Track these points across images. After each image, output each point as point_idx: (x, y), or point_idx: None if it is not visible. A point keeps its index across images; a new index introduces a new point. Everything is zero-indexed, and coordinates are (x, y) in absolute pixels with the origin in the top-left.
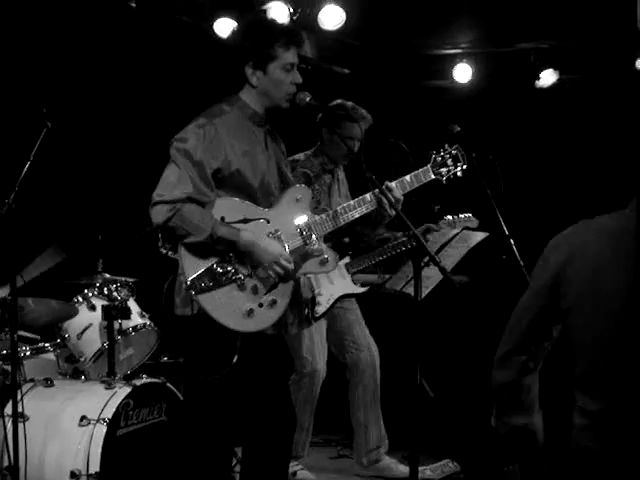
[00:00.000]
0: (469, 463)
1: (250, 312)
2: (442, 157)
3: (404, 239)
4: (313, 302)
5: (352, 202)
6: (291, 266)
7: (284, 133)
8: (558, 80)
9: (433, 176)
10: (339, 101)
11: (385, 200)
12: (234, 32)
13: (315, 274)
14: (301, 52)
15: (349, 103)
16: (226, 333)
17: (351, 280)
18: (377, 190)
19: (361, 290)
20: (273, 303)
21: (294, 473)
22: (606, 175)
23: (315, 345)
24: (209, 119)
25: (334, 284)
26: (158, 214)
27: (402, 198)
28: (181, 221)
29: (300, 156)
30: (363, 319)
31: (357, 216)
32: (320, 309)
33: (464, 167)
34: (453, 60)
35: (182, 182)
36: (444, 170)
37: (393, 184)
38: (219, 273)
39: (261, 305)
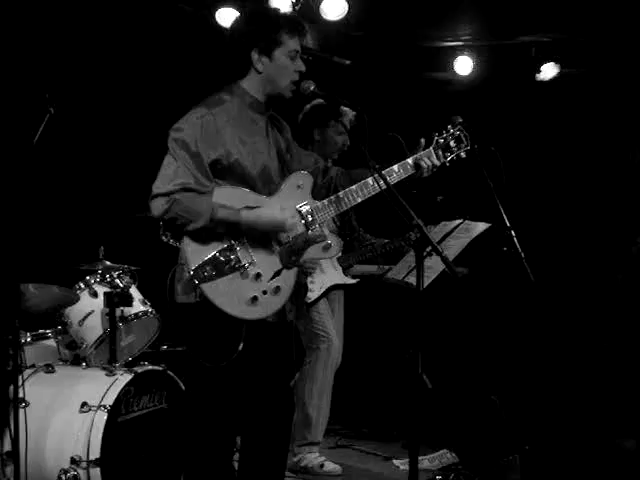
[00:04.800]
0: (467, 454)
1: (254, 299)
2: (444, 139)
3: (391, 242)
4: (305, 289)
5: (354, 187)
6: (300, 224)
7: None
8: (559, 73)
9: (436, 159)
10: (319, 102)
11: (389, 189)
12: (238, 19)
13: (318, 260)
14: (303, 42)
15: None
16: (231, 321)
17: (342, 272)
18: (382, 181)
19: (352, 281)
20: (277, 290)
21: (321, 465)
22: (605, 168)
23: (326, 320)
24: (208, 109)
25: (326, 274)
26: (157, 207)
27: (438, 163)
28: (180, 210)
29: None
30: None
31: (359, 201)
32: (312, 295)
33: (467, 148)
34: (454, 52)
35: (179, 174)
36: (447, 152)
37: (396, 167)
38: (221, 262)
39: (265, 292)
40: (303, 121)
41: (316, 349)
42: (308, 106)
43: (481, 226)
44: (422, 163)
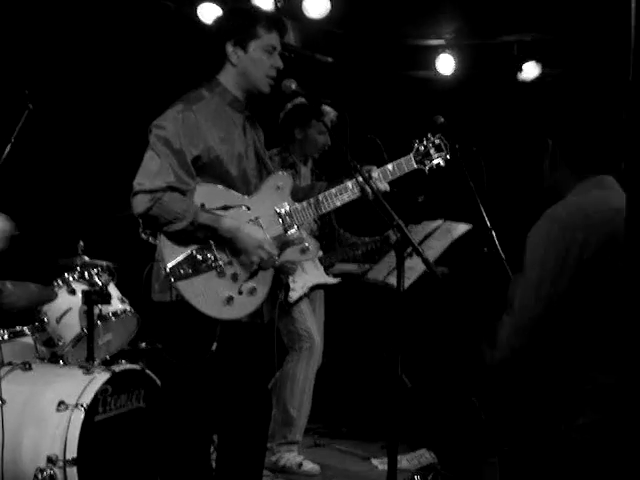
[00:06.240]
0: (446, 453)
1: (229, 299)
2: (425, 146)
3: (372, 241)
4: (287, 289)
5: (333, 190)
6: (275, 251)
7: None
8: (540, 73)
9: (416, 165)
10: (301, 101)
11: (368, 188)
12: (218, 17)
13: (296, 262)
14: (283, 40)
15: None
16: (205, 320)
17: (324, 271)
18: (361, 178)
19: (333, 281)
20: (253, 291)
21: (299, 464)
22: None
23: (308, 320)
24: (188, 105)
25: (308, 273)
26: (139, 204)
27: (388, 188)
28: (162, 210)
29: None
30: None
31: (339, 204)
32: (294, 294)
33: (447, 157)
34: (436, 51)
35: (162, 171)
36: (427, 159)
37: (376, 173)
38: (198, 260)
39: (241, 292)
40: (284, 120)
41: (298, 349)
42: (289, 105)
43: (462, 227)
44: (366, 188)
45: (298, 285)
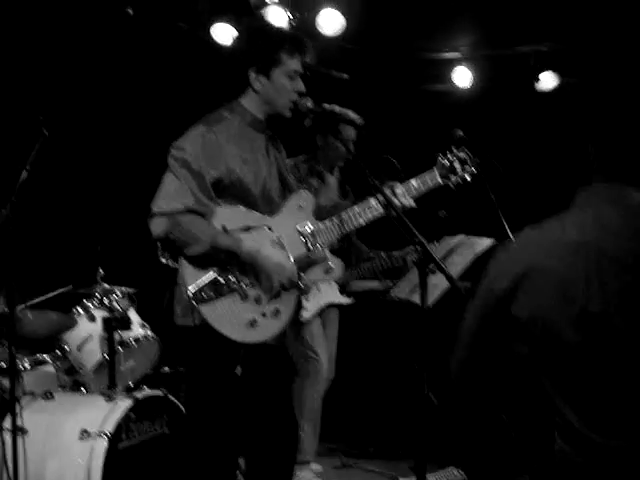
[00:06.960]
0: (475, 471)
1: (253, 322)
2: (449, 160)
3: (389, 259)
4: (299, 307)
5: (356, 208)
6: (295, 277)
7: (284, 139)
8: (558, 83)
9: (441, 181)
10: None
11: (391, 208)
12: (239, 37)
13: (319, 282)
14: (305, 61)
15: (336, 107)
16: (229, 344)
17: (338, 289)
18: (381, 197)
19: (347, 301)
20: (277, 313)
21: None
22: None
23: (316, 340)
24: (209, 126)
25: (321, 292)
26: (157, 227)
27: (414, 204)
28: (180, 233)
29: (289, 162)
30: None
31: (363, 223)
32: (306, 314)
33: (473, 170)
34: (452, 64)
35: (181, 193)
36: (452, 174)
37: (399, 189)
38: (221, 283)
39: (264, 315)
40: (309, 127)
41: (304, 369)
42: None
43: (485, 242)
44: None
45: (311, 304)
